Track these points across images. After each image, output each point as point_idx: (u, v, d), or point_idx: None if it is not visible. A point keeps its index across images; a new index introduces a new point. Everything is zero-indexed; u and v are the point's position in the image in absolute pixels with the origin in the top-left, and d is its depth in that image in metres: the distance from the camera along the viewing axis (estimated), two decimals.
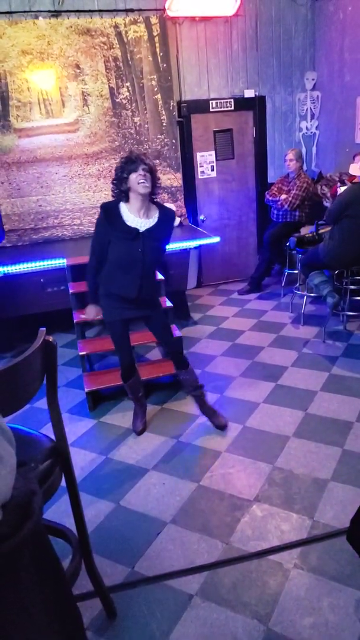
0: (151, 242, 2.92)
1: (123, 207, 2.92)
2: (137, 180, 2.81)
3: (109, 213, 2.92)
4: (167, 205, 5.26)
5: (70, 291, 4.07)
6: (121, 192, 2.90)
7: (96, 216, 2.91)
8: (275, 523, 2.44)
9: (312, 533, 2.36)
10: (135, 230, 2.89)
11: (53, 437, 1.73)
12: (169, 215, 3.02)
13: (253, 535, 2.38)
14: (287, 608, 1.99)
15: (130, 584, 2.17)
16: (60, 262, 4.31)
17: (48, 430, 1.77)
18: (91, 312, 3.15)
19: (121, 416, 3.53)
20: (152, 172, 2.87)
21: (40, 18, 4.72)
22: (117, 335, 3.16)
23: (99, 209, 2.99)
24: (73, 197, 5.24)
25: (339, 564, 2.17)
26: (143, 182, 2.81)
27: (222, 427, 3.26)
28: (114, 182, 2.92)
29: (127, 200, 2.91)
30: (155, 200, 3.01)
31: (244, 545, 2.32)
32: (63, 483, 1.74)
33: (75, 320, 3.95)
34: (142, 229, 2.90)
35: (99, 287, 3.07)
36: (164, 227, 2.98)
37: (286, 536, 2.35)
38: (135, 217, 2.91)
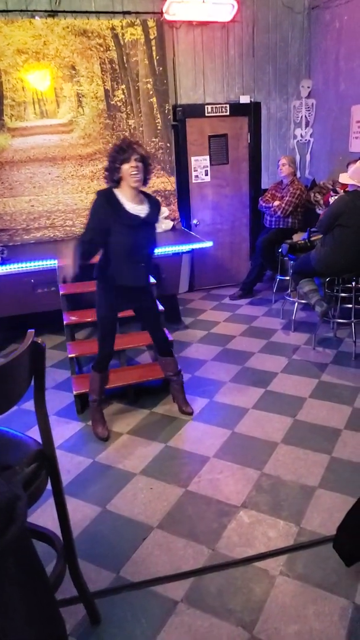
0: (150, 229, 2.93)
1: (118, 193, 2.88)
2: (130, 172, 2.77)
3: (109, 199, 2.85)
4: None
5: (61, 292, 4.05)
6: (113, 181, 2.86)
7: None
8: (261, 529, 2.43)
9: (299, 540, 2.35)
10: (138, 217, 2.86)
11: (40, 439, 1.71)
12: (156, 203, 3.05)
13: (239, 541, 2.37)
14: (272, 615, 1.98)
15: (115, 590, 2.15)
16: (51, 263, 4.28)
17: (35, 433, 1.75)
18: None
19: (109, 419, 3.51)
20: (144, 161, 2.82)
21: (37, 17, 4.71)
22: (108, 324, 3.15)
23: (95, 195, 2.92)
24: (66, 198, 5.22)
25: (325, 571, 2.17)
26: (135, 174, 2.78)
27: (190, 413, 3.47)
28: (107, 170, 2.87)
29: (119, 186, 2.88)
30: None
31: (230, 551, 2.31)
32: (49, 486, 1.72)
33: (65, 322, 3.92)
34: (142, 215, 2.88)
35: (82, 261, 2.91)
36: (156, 214, 2.98)
37: (272, 543, 2.35)
38: (131, 203, 2.88)
